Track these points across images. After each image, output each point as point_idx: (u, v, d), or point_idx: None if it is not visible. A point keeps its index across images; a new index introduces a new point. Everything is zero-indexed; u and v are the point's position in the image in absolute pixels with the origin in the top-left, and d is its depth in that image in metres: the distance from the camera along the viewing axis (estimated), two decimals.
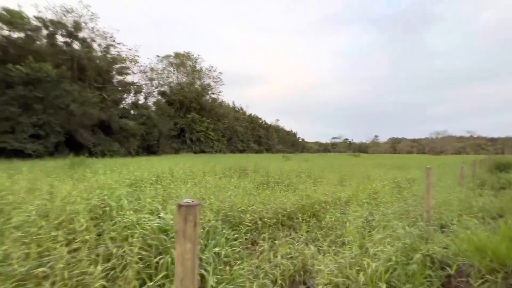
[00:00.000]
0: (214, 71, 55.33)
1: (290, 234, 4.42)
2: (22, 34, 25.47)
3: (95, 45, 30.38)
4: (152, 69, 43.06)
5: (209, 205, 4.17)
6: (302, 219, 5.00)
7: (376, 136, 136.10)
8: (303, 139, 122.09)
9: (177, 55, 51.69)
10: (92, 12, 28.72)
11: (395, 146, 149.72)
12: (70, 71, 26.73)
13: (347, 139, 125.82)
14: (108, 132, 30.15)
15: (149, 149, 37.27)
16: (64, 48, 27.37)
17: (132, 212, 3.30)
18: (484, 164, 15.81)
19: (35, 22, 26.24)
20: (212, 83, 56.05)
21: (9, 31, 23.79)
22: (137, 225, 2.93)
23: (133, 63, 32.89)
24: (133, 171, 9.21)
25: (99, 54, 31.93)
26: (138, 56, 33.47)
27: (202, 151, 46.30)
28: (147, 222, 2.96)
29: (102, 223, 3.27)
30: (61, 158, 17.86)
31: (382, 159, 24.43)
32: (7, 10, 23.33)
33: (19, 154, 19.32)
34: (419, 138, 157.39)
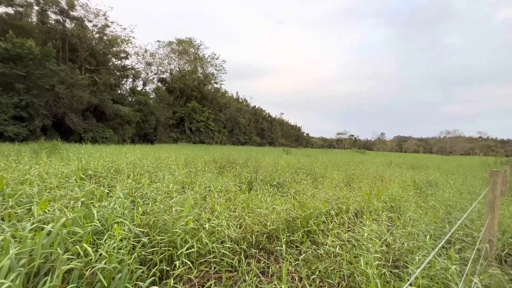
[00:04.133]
0: (217, 58, 53.10)
1: (265, 272, 2.74)
2: (11, 10, 23.85)
3: (89, 25, 28.63)
4: (151, 54, 41.16)
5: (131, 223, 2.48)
6: (290, 243, 3.31)
7: (382, 133, 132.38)
8: (307, 134, 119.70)
9: (180, 41, 49.57)
10: None
11: (402, 144, 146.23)
12: (60, 51, 25.12)
13: (352, 136, 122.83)
14: (101, 118, 28.72)
15: (145, 138, 35.87)
16: (55, 26, 25.65)
17: None
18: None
19: None
20: (214, 72, 53.99)
21: None
22: None
23: (126, 43, 30.90)
24: (97, 160, 7.62)
25: (96, 35, 30.20)
26: (133, 38, 31.48)
27: (202, 142, 44.74)
28: None
29: None
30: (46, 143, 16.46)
31: (391, 157, 22.49)
32: None
33: (0, 136, 17.99)
34: (426, 137, 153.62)
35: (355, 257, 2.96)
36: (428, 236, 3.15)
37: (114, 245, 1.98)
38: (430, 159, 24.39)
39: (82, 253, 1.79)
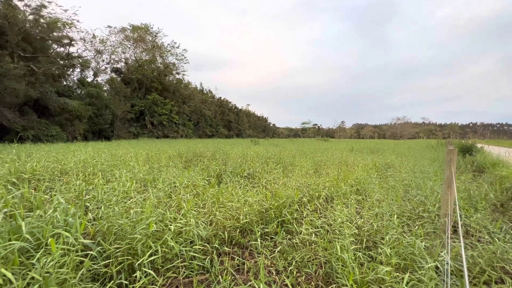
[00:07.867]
0: (177, 47, 50.08)
1: (240, 269, 2.57)
2: None
3: (20, 4, 24.30)
4: (101, 41, 36.91)
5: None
6: (264, 235, 3.17)
7: (342, 122, 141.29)
8: (274, 125, 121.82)
9: (134, 28, 45.35)
10: None
11: (360, 131, 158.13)
12: None
13: (316, 125, 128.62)
14: (45, 113, 25.20)
15: (101, 134, 32.65)
16: None
17: None
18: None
19: None
20: (175, 61, 50.96)
21: None
22: None
23: (69, 27, 27.06)
24: (37, 160, 6.53)
25: (29, 17, 25.84)
26: (77, 21, 27.67)
27: (166, 136, 42.43)
28: None
29: None
30: None
31: (352, 144, 24.01)
32: None
33: None
34: (380, 124, 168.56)
35: (329, 242, 2.93)
36: (395, 216, 3.28)
37: (51, 263, 1.59)
38: (385, 144, 26.64)
39: (11, 279, 1.38)
